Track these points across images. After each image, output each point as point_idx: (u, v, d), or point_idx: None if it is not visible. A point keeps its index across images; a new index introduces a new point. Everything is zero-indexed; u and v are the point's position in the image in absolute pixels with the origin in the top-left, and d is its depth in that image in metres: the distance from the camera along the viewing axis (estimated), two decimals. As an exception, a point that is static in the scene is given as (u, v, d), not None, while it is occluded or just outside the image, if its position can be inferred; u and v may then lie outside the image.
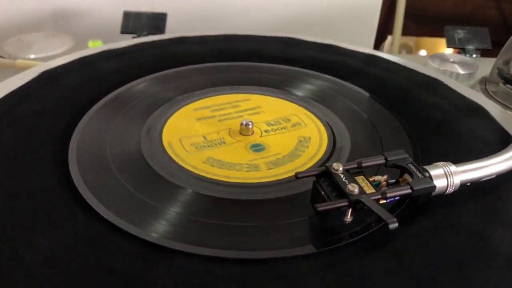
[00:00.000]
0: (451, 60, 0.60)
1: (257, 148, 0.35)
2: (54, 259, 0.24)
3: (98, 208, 0.28)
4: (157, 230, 0.27)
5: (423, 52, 1.06)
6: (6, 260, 0.24)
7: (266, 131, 0.38)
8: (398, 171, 0.29)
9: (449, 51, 0.73)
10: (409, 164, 0.28)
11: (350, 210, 0.26)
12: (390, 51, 0.88)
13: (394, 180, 0.28)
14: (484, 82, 0.55)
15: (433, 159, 0.30)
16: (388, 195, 0.26)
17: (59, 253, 0.25)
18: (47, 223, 0.27)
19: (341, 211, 0.26)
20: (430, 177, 0.28)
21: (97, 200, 0.29)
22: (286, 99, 0.43)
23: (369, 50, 0.53)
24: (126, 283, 0.23)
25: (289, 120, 0.39)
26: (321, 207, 0.25)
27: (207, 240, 0.26)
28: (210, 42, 0.54)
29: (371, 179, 0.27)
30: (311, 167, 0.33)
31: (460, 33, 0.66)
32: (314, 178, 0.27)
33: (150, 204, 0.29)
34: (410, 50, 1.09)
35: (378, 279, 0.24)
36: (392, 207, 0.29)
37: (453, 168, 0.28)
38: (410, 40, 1.07)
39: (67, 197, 0.29)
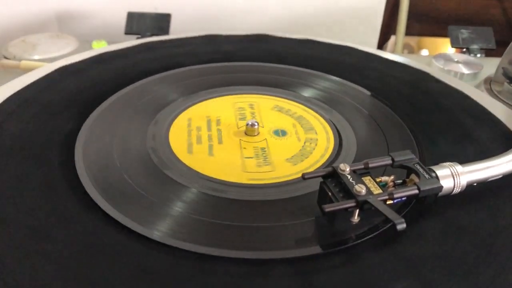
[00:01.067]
0: (456, 60, 0.60)
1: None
2: (58, 258, 0.24)
3: (105, 207, 0.28)
4: (162, 229, 0.27)
5: (425, 52, 1.06)
6: (14, 261, 0.24)
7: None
8: (404, 172, 0.29)
9: (452, 50, 0.73)
10: (415, 165, 0.28)
11: (357, 210, 0.26)
12: (393, 51, 0.88)
13: (400, 181, 0.28)
14: (489, 82, 0.55)
15: (439, 160, 0.30)
16: (395, 195, 0.26)
17: (63, 252, 0.25)
18: (53, 222, 0.27)
19: (348, 212, 0.26)
20: (437, 177, 0.28)
21: (103, 198, 0.29)
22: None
23: (372, 50, 0.53)
24: (132, 281, 0.23)
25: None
26: (328, 207, 0.25)
27: (211, 239, 0.26)
28: (216, 42, 0.54)
29: (378, 180, 0.27)
30: (318, 168, 0.33)
31: (464, 33, 0.66)
32: (321, 179, 0.27)
33: (156, 202, 0.29)
34: (411, 50, 1.08)
35: (385, 281, 0.24)
36: (399, 208, 0.29)
37: (459, 168, 0.28)
38: (412, 40, 1.06)
39: (74, 196, 0.29)
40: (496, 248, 0.26)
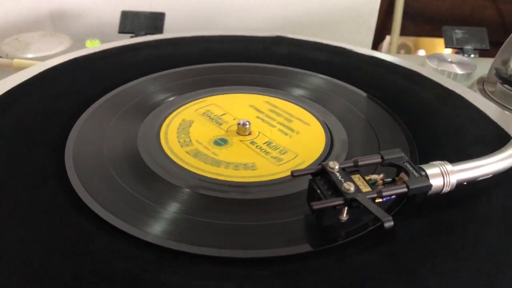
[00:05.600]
0: (449, 60, 0.60)
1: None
2: (49, 260, 0.24)
3: (95, 209, 0.28)
4: (154, 230, 0.27)
5: (421, 52, 1.06)
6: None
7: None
8: (394, 170, 0.29)
9: (448, 51, 0.73)
10: (405, 163, 0.28)
11: (346, 208, 0.26)
12: (388, 51, 0.88)
13: (390, 179, 0.28)
14: (482, 82, 0.55)
15: (429, 158, 0.30)
16: (384, 193, 0.26)
17: (56, 254, 0.25)
18: (43, 224, 0.27)
19: (337, 210, 0.26)
20: (427, 176, 0.28)
21: (94, 200, 0.28)
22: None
23: (367, 50, 0.53)
24: (125, 284, 0.23)
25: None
26: (317, 205, 0.25)
27: (203, 239, 0.26)
28: (207, 42, 0.54)
29: (367, 178, 0.27)
30: (308, 166, 0.33)
31: (458, 33, 0.66)
32: (310, 177, 0.27)
33: (148, 203, 0.29)
34: (409, 50, 1.08)
35: (374, 279, 0.24)
36: (389, 206, 0.29)
37: (449, 167, 0.28)
38: (409, 40, 1.07)
39: (64, 197, 0.29)
40: (484, 246, 0.26)
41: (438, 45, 1.03)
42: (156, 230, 0.27)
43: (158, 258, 0.25)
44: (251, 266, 0.25)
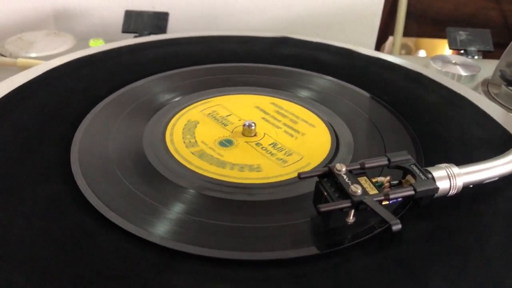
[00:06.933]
0: (453, 61, 0.60)
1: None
2: (53, 258, 0.24)
3: (100, 208, 0.28)
4: (158, 231, 0.26)
5: (422, 53, 1.06)
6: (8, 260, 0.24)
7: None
8: (401, 172, 0.29)
9: (449, 52, 0.73)
10: (412, 166, 0.28)
11: (353, 211, 0.26)
12: (391, 52, 0.88)
13: (397, 181, 0.28)
14: (486, 84, 0.55)
15: (436, 161, 0.30)
16: (391, 196, 0.26)
17: (59, 254, 0.25)
18: (48, 222, 0.27)
19: (344, 212, 0.26)
20: (433, 178, 0.28)
21: (99, 200, 0.28)
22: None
23: (372, 51, 0.53)
24: (128, 284, 0.23)
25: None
26: (324, 207, 0.25)
27: (207, 241, 0.26)
28: (212, 43, 0.54)
29: (374, 180, 0.27)
30: (314, 168, 0.33)
31: (462, 34, 0.66)
32: (317, 179, 0.27)
33: (152, 204, 0.29)
34: (409, 50, 1.08)
35: (380, 282, 0.24)
36: (395, 209, 0.28)
37: (456, 170, 0.28)
38: (409, 40, 1.06)
39: (70, 197, 0.29)
40: (490, 249, 0.26)
41: (439, 46, 1.03)
42: (160, 230, 0.27)
43: (161, 259, 0.25)
44: (256, 268, 0.25)
